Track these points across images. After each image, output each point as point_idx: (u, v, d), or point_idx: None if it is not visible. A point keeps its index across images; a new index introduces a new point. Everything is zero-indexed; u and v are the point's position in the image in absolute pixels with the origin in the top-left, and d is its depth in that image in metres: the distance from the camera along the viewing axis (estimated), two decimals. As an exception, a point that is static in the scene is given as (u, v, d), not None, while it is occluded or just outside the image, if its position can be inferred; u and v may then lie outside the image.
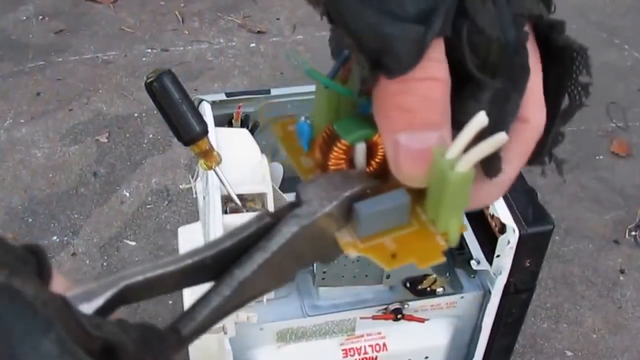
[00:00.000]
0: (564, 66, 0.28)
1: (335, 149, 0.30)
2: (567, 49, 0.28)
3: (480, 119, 0.25)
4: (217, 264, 0.27)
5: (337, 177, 0.29)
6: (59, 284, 0.25)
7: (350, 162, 0.30)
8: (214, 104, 1.01)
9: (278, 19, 2.20)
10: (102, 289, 0.25)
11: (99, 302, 0.25)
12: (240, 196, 0.86)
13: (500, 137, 0.25)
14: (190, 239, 1.09)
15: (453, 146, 0.26)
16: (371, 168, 0.30)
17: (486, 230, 0.96)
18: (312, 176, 0.31)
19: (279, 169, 0.98)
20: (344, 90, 0.30)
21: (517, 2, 0.26)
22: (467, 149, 0.26)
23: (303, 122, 0.32)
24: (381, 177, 0.30)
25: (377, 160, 0.30)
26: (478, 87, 0.26)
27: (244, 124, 1.05)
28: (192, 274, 0.27)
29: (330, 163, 0.30)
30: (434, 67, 0.26)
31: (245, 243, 0.28)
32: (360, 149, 0.30)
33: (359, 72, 0.27)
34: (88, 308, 0.25)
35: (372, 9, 0.25)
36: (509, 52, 0.26)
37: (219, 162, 0.77)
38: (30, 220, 1.62)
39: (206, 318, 0.27)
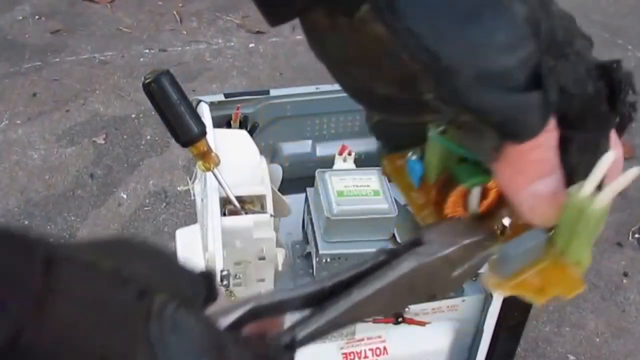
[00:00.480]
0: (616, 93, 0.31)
1: (454, 193, 0.33)
2: (619, 80, 0.31)
3: (609, 157, 0.29)
4: (334, 292, 0.31)
5: (457, 225, 0.33)
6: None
7: (464, 205, 0.34)
8: (212, 104, 1.00)
9: (277, 19, 2.18)
10: (235, 308, 0.29)
11: (232, 317, 0.29)
12: (239, 198, 0.86)
13: (634, 171, 0.30)
14: (189, 241, 1.07)
15: (587, 184, 0.30)
16: (481, 209, 0.34)
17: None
18: (430, 218, 0.35)
19: (278, 170, 0.97)
20: (469, 153, 0.33)
21: (586, 55, 0.29)
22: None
23: (415, 161, 0.36)
24: (486, 217, 0.34)
25: (487, 201, 0.34)
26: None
27: (242, 125, 1.05)
28: (312, 299, 0.31)
29: (447, 206, 0.34)
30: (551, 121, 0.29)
31: (361, 276, 0.31)
32: (476, 193, 0.33)
33: (485, 142, 0.30)
34: (225, 322, 0.28)
35: (489, 87, 0.27)
36: (592, 104, 0.29)
37: (217, 164, 0.76)
38: (26, 222, 1.60)
39: (318, 328, 0.30)
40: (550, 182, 0.30)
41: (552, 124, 0.29)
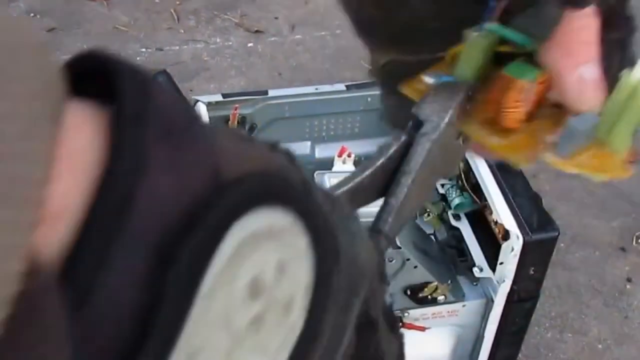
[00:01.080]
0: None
1: (512, 89, 0.34)
2: None
3: None
4: (372, 183, 0.32)
5: (441, 90, 0.34)
6: None
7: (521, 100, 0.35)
8: (209, 105, 1.00)
9: (276, 18, 2.17)
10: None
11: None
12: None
13: None
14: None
15: (638, 69, 0.32)
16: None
17: (489, 236, 0.95)
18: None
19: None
20: (524, 38, 0.35)
21: None
22: None
23: (447, 76, 0.36)
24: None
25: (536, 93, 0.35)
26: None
27: (240, 125, 1.04)
28: (358, 194, 0.32)
29: (506, 104, 0.34)
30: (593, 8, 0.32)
31: (391, 161, 0.32)
32: (532, 87, 0.35)
33: (543, 17, 0.33)
34: None
35: None
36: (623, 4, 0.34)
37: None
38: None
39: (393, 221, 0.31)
40: (595, 68, 0.33)
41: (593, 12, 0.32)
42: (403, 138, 0.33)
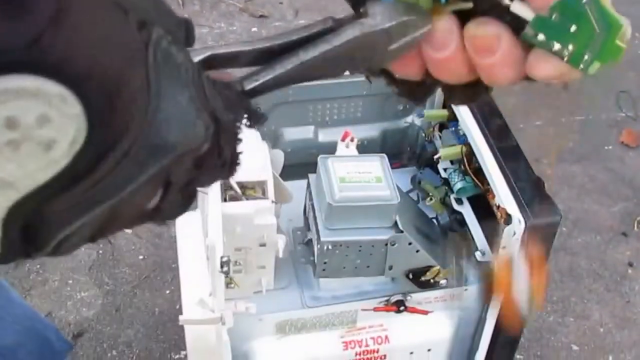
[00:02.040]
0: None
1: None
2: None
3: None
4: (283, 51, 0.33)
5: (398, 4, 0.34)
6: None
7: None
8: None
9: (281, 2, 2.17)
10: (194, 53, 0.31)
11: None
12: (240, 184, 0.85)
13: None
14: (189, 227, 1.07)
15: None
16: None
17: (492, 220, 0.95)
18: None
19: (280, 156, 0.96)
20: None
21: None
22: None
23: None
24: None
25: None
26: None
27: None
28: (263, 55, 0.33)
29: None
30: None
31: (309, 39, 0.33)
32: None
33: None
34: None
35: None
36: None
37: (217, 148, 0.75)
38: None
39: (267, 81, 0.32)
40: None
41: None
42: (330, 23, 0.34)
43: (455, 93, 0.37)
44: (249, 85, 0.31)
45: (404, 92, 0.39)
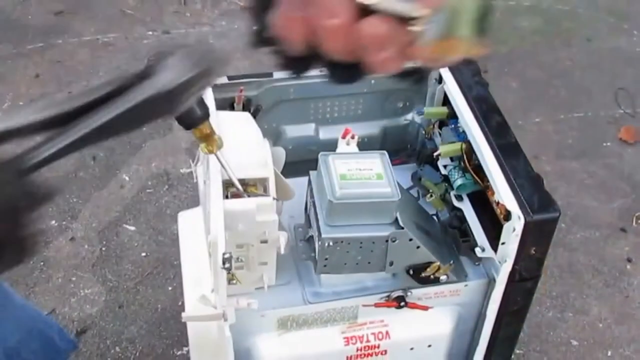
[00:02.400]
0: None
1: None
2: None
3: None
4: (73, 115, 0.33)
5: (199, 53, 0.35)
6: None
7: None
8: (215, 87, 1.00)
9: (281, 1, 2.17)
10: None
11: None
12: (241, 181, 0.85)
13: None
14: (191, 224, 1.07)
15: None
16: None
17: (491, 217, 0.95)
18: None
19: (281, 153, 0.97)
20: None
21: None
22: None
23: None
24: None
25: None
26: None
27: (245, 107, 1.04)
28: (52, 122, 0.33)
29: None
30: None
31: (96, 103, 0.33)
32: None
33: None
34: None
35: None
36: None
37: (220, 146, 0.75)
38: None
39: (59, 149, 0.32)
40: None
41: None
42: (110, 89, 0.34)
43: (337, 71, 0.38)
44: (30, 162, 0.31)
45: (285, 63, 0.39)
